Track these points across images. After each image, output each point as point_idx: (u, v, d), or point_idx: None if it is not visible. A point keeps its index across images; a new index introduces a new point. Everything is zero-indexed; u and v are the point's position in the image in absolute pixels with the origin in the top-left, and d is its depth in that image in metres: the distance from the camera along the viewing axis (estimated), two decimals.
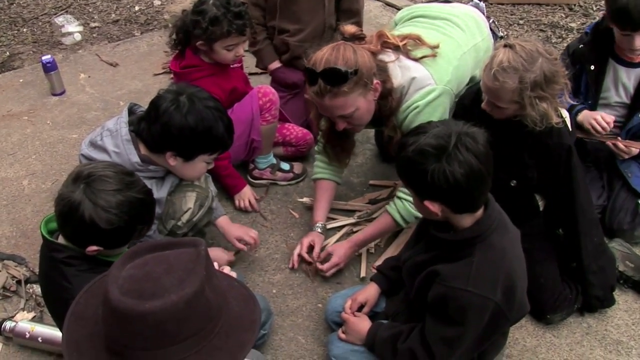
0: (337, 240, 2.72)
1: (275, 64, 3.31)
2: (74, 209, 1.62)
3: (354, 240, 2.55)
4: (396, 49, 2.38)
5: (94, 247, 1.67)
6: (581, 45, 2.74)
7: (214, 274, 1.19)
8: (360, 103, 2.26)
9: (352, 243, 2.54)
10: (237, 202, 2.93)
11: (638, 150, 2.63)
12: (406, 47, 2.38)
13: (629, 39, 2.48)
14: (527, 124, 2.11)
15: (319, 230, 2.64)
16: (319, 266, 2.52)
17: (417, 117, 2.36)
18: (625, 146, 2.62)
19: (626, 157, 2.67)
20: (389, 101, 2.36)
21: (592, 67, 2.69)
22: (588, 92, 2.74)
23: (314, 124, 2.80)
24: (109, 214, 1.63)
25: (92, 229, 1.63)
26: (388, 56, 2.37)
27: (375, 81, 2.26)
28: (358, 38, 2.32)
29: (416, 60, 2.38)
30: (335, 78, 2.16)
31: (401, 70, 2.37)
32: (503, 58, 2.04)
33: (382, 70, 2.32)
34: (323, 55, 2.18)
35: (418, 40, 2.40)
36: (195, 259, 1.16)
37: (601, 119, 2.61)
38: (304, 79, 3.12)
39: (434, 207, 1.69)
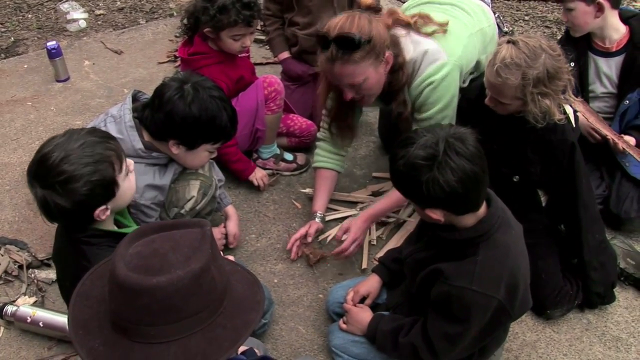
0: None
1: (284, 55, 3.33)
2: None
3: (368, 214, 2.52)
4: (407, 25, 2.39)
5: (103, 208, 1.69)
6: (559, 45, 2.76)
7: (218, 255, 1.21)
8: (370, 73, 2.25)
9: (367, 216, 2.51)
10: (255, 183, 2.96)
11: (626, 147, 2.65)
12: (416, 24, 2.40)
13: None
14: (529, 120, 2.11)
15: (318, 220, 2.64)
16: (335, 251, 2.47)
17: (432, 94, 2.37)
18: (623, 149, 2.63)
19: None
20: (399, 75, 2.36)
21: (572, 64, 2.70)
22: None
23: (318, 112, 2.79)
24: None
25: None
26: (399, 31, 2.38)
27: (387, 53, 2.26)
28: (374, 10, 2.31)
29: (427, 35, 2.39)
30: (348, 44, 2.15)
31: (413, 44, 2.37)
32: (506, 54, 2.03)
33: (395, 43, 2.33)
34: (338, 22, 2.18)
35: (427, 19, 2.42)
36: (201, 238, 1.17)
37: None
38: (310, 72, 3.17)
39: (436, 215, 1.69)
